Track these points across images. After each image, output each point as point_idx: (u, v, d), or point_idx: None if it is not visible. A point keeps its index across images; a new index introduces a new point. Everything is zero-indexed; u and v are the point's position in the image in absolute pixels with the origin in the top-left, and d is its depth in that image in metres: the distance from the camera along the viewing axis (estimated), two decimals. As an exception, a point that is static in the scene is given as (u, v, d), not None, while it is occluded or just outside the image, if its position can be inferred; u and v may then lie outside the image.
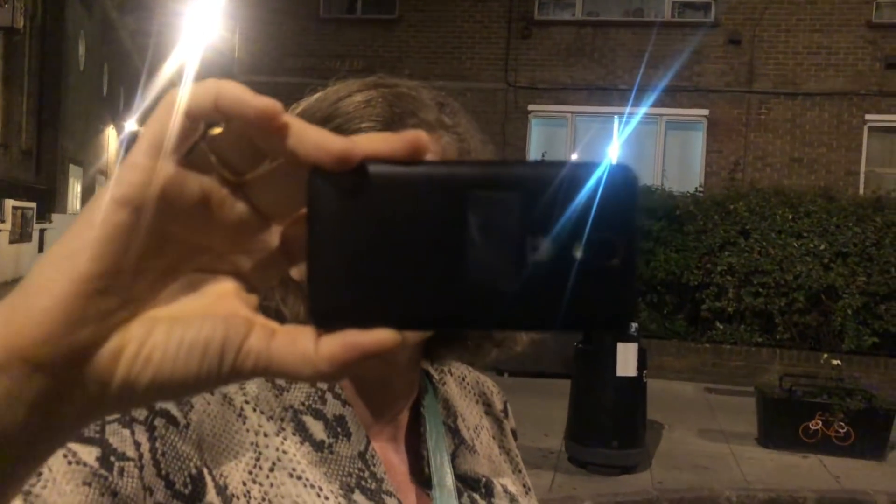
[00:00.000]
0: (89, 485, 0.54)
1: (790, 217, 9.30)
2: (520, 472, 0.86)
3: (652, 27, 11.52)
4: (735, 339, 9.15)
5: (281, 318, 0.57)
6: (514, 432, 0.90)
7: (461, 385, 0.86)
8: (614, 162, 0.32)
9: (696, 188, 10.45)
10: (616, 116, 11.63)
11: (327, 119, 0.66)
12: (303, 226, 0.31)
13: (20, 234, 13.25)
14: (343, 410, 0.70)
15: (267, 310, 0.68)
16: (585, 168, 0.31)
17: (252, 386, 0.68)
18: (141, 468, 0.58)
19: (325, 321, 0.30)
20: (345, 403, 0.70)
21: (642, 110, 11.20)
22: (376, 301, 0.30)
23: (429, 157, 0.31)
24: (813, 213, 9.28)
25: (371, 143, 0.30)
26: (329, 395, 0.70)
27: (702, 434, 6.57)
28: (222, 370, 0.30)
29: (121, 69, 22.73)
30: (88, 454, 0.55)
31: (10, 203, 12.67)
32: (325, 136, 0.29)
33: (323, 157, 0.29)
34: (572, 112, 11.91)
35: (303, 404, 0.69)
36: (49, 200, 16.28)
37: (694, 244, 9.43)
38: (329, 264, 0.30)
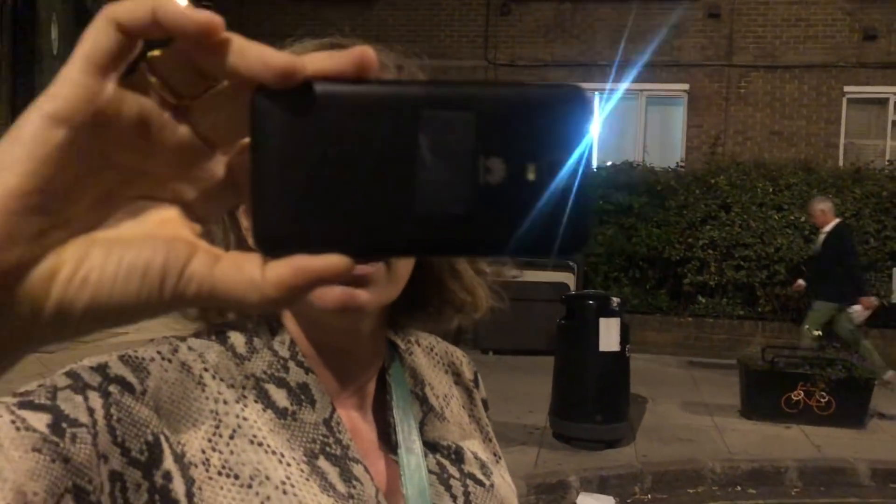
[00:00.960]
0: (39, 451, 0.52)
1: (771, 190, 9.36)
2: (490, 440, 0.85)
3: (632, 2, 11.48)
4: (717, 312, 9.23)
5: None
6: (485, 402, 0.89)
7: (429, 355, 0.85)
8: (570, 84, 0.31)
9: (678, 163, 10.48)
10: (597, 93, 11.60)
11: None
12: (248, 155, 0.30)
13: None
14: (306, 378, 0.69)
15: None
16: (539, 90, 0.31)
17: (212, 354, 0.67)
18: (94, 435, 0.56)
19: (272, 247, 0.29)
20: (308, 371, 0.69)
21: (623, 86, 11.18)
22: (325, 226, 0.29)
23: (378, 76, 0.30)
24: (793, 186, 9.34)
25: (316, 60, 0.29)
26: (292, 364, 0.69)
27: (685, 407, 6.63)
28: (164, 294, 0.29)
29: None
30: (38, 421, 0.54)
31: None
32: (267, 51, 0.28)
33: (265, 74, 0.28)
34: (553, 89, 11.87)
35: (265, 373, 0.68)
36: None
37: (675, 219, 9.47)
38: (274, 188, 0.29)
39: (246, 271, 0.29)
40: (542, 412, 5.88)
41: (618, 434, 5.54)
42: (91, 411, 0.57)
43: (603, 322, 5.47)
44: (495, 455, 0.84)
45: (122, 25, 0.27)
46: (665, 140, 11.65)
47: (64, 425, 0.55)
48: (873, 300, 7.18)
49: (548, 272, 8.84)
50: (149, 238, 0.29)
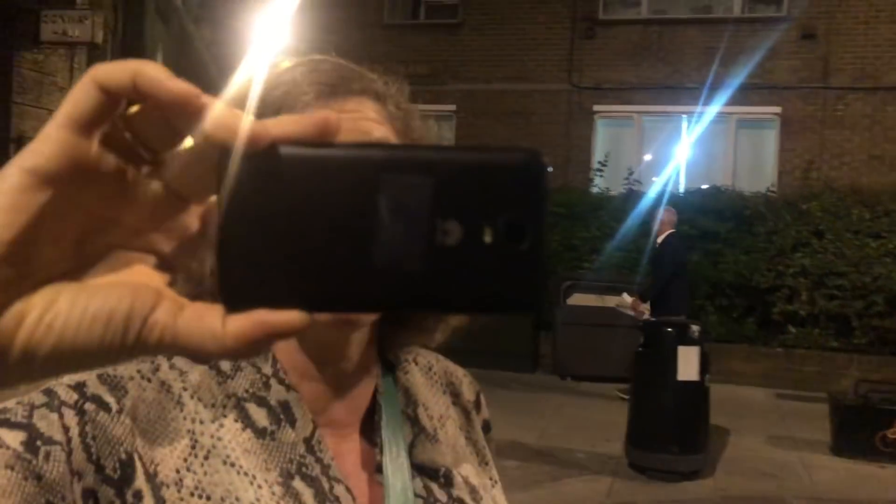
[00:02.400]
0: (12, 468, 0.54)
1: (867, 217, 8.94)
2: (486, 464, 0.83)
3: (721, 24, 11.23)
4: (808, 343, 8.83)
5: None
6: (486, 424, 0.87)
7: (427, 374, 0.83)
8: (526, 148, 0.32)
9: (768, 188, 10.13)
10: (684, 116, 11.37)
11: (274, 87, 0.67)
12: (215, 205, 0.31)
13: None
14: (287, 396, 0.68)
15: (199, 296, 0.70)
16: (496, 155, 0.32)
17: (194, 374, 0.67)
18: (69, 453, 0.57)
19: (235, 301, 0.30)
20: (289, 388, 0.69)
21: (712, 109, 10.92)
22: (286, 282, 0.31)
23: (346, 137, 0.32)
24: (893, 213, 8.89)
25: (281, 125, 0.30)
26: (273, 381, 0.69)
27: (770, 441, 6.36)
28: (126, 341, 0.30)
29: (197, 79, 23.31)
30: (13, 438, 0.55)
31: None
32: (237, 118, 0.30)
33: (233, 138, 0.30)
34: (639, 112, 11.70)
35: (246, 391, 0.68)
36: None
37: (764, 245, 9.15)
38: (239, 245, 0.31)
39: (207, 322, 0.30)
40: (618, 441, 5.76)
41: (695, 466, 5.36)
42: (66, 429, 0.58)
43: (682, 350, 5.34)
44: (491, 479, 0.82)
45: (105, 87, 0.29)
46: (756, 164, 11.29)
47: (38, 443, 0.56)
48: None
49: (630, 298, 8.68)
50: (116, 286, 0.30)
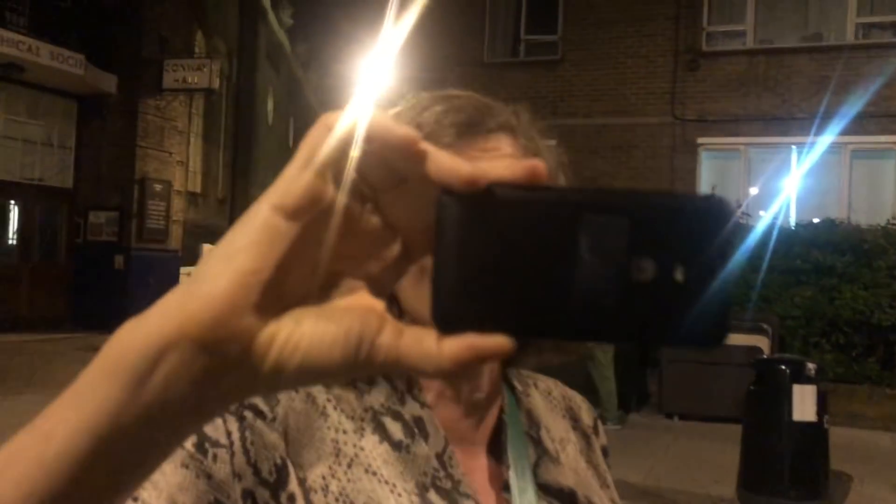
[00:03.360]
0: (187, 467, 0.60)
1: None
2: (608, 487, 0.84)
3: (832, 52, 10.86)
4: (938, 385, 8.26)
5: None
6: (605, 449, 0.89)
7: (547, 399, 0.86)
8: (714, 194, 0.35)
9: (889, 220, 9.62)
10: (794, 147, 10.99)
11: (416, 127, 0.71)
12: (424, 237, 0.35)
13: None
14: (421, 412, 0.72)
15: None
16: (684, 198, 0.35)
17: (336, 387, 0.71)
18: (232, 455, 0.62)
19: (447, 325, 0.33)
20: (423, 405, 0.72)
21: (824, 139, 10.51)
22: (493, 310, 0.34)
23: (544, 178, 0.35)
24: None
25: (496, 169, 0.34)
26: (408, 397, 0.72)
27: (898, 489, 5.95)
28: (358, 360, 0.33)
29: (305, 122, 24.33)
30: (186, 440, 0.61)
31: (207, 247, 13.88)
32: (458, 163, 0.33)
33: (454, 181, 0.33)
34: (745, 144, 11.38)
35: (382, 405, 0.71)
36: (241, 244, 17.55)
37: (885, 281, 8.67)
38: (452, 275, 0.34)
39: (425, 345, 0.33)
40: (728, 483, 5.52)
41: (815, 512, 5.08)
42: (229, 434, 0.63)
43: (797, 389, 5.09)
44: (612, 502, 0.83)
45: (343, 136, 0.33)
46: (873, 196, 10.76)
47: (207, 445, 0.62)
48: None
49: (740, 335, 8.37)
50: (348, 311, 0.34)
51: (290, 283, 0.34)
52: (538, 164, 0.34)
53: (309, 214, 0.33)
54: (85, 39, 11.49)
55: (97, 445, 0.32)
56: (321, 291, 0.35)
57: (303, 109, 25.02)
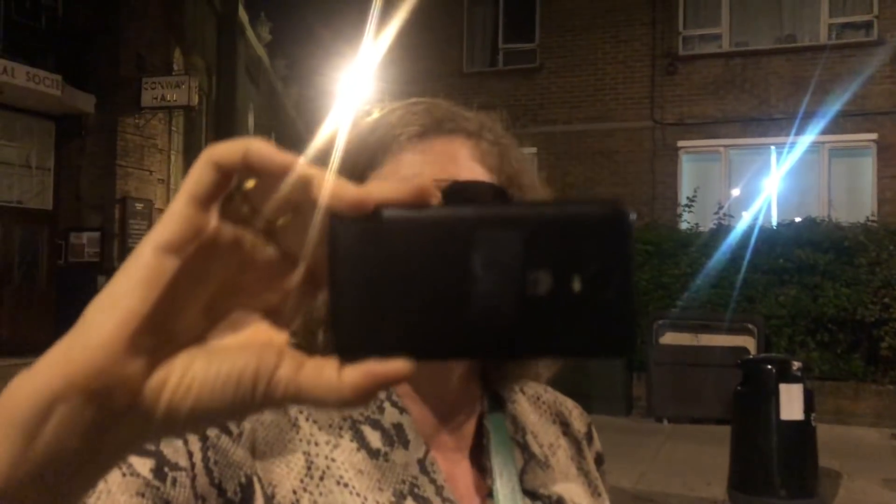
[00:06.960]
0: (142, 495, 0.57)
1: (981, 243, 8.44)
2: (599, 495, 0.83)
3: (807, 52, 10.98)
4: (923, 379, 8.33)
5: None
6: (599, 456, 0.87)
7: (535, 404, 0.84)
8: (614, 200, 0.34)
9: (868, 217, 9.72)
10: (773, 147, 11.08)
11: (372, 131, 0.72)
12: (324, 264, 0.34)
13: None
14: (401, 418, 0.71)
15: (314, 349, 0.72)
16: (580, 206, 0.34)
17: None
18: (193, 477, 0.60)
19: (348, 354, 0.33)
20: (402, 411, 0.71)
21: (802, 139, 10.62)
22: (392, 334, 0.33)
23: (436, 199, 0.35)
24: None
25: (383, 190, 0.33)
26: (387, 404, 0.71)
27: (887, 484, 5.99)
28: (255, 398, 0.33)
29: (285, 135, 24.34)
30: (143, 465, 0.58)
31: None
32: (343, 186, 0.33)
33: (341, 205, 0.33)
34: (725, 146, 11.48)
35: (361, 415, 0.70)
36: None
37: (867, 277, 8.74)
38: (348, 301, 0.33)
39: (325, 376, 0.33)
40: (719, 485, 5.53)
41: (806, 511, 5.10)
42: (190, 455, 0.61)
43: (784, 388, 5.12)
44: None
45: (219, 165, 0.32)
46: (852, 193, 10.87)
47: (166, 469, 0.59)
48: None
49: (725, 336, 8.40)
50: (243, 347, 0.34)
51: (181, 322, 0.33)
52: (425, 183, 0.34)
53: (190, 247, 0.32)
54: (61, 59, 11.41)
55: None
56: (217, 328, 0.35)
57: (283, 123, 24.98)
